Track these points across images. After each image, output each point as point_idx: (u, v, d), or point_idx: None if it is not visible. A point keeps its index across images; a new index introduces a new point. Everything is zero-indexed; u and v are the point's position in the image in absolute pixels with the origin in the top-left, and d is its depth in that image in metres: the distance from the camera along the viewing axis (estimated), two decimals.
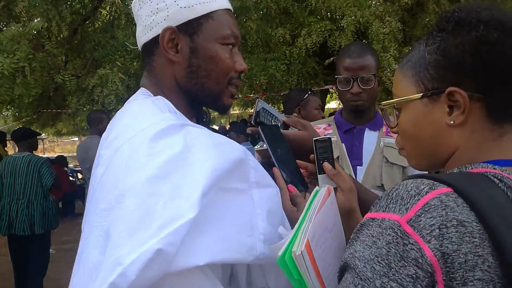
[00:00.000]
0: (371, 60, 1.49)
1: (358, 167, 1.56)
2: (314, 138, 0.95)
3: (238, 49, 0.88)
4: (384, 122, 0.85)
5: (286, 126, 1.06)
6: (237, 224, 0.71)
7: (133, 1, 0.86)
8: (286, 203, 0.86)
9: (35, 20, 4.38)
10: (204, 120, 1.90)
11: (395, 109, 0.77)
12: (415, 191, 0.59)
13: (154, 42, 0.83)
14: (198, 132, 0.74)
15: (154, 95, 0.84)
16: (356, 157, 1.57)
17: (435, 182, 0.59)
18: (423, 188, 0.58)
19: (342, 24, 4.97)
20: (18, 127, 8.03)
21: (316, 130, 1.74)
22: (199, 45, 0.82)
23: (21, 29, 4.29)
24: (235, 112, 12.12)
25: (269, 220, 0.75)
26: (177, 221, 0.60)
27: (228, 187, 0.71)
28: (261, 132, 0.94)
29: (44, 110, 8.25)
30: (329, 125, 1.69)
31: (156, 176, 0.63)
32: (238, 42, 0.88)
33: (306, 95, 2.68)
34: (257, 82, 5.45)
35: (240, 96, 7.29)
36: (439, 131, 0.68)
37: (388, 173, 1.51)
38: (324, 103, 7.11)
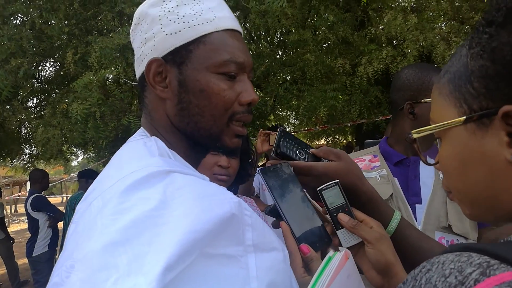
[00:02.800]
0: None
1: (417, 205, 1.33)
2: (318, 188, 0.77)
3: (247, 77, 0.74)
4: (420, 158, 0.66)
5: (315, 158, 0.87)
6: None
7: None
8: (297, 270, 0.68)
9: (104, 69, 4.73)
10: (250, 160, 1.71)
11: (437, 139, 0.59)
12: (456, 277, 0.37)
13: (144, 77, 0.73)
14: (184, 181, 0.58)
15: (151, 135, 0.73)
16: (413, 194, 1.33)
17: (492, 261, 0.37)
18: (471, 273, 0.36)
19: (403, 50, 4.70)
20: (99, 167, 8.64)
21: (360, 162, 1.53)
22: (187, 77, 0.70)
23: (92, 77, 4.64)
24: None
25: None
26: None
27: (213, 253, 0.53)
28: (261, 176, 0.77)
29: None
30: (374, 156, 1.47)
31: (115, 243, 0.48)
32: (245, 68, 0.73)
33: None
34: (318, 115, 5.29)
35: (301, 130, 7.15)
36: (495, 170, 0.47)
37: (455, 211, 1.24)
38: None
